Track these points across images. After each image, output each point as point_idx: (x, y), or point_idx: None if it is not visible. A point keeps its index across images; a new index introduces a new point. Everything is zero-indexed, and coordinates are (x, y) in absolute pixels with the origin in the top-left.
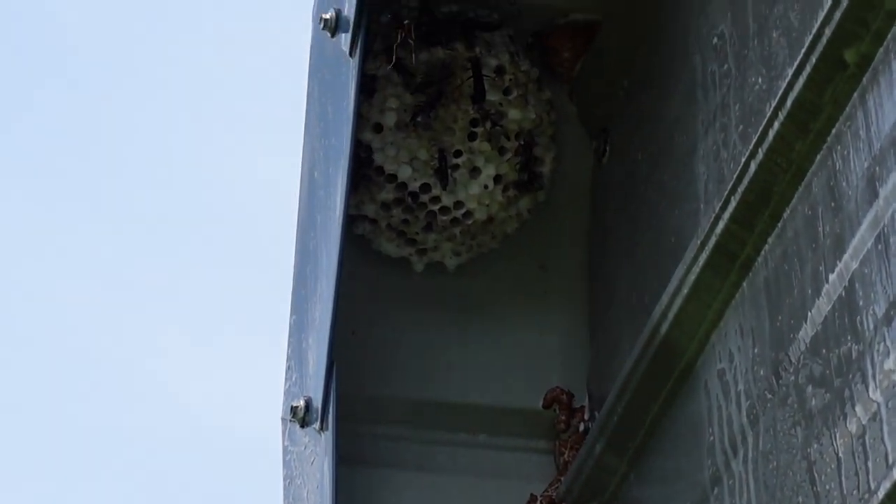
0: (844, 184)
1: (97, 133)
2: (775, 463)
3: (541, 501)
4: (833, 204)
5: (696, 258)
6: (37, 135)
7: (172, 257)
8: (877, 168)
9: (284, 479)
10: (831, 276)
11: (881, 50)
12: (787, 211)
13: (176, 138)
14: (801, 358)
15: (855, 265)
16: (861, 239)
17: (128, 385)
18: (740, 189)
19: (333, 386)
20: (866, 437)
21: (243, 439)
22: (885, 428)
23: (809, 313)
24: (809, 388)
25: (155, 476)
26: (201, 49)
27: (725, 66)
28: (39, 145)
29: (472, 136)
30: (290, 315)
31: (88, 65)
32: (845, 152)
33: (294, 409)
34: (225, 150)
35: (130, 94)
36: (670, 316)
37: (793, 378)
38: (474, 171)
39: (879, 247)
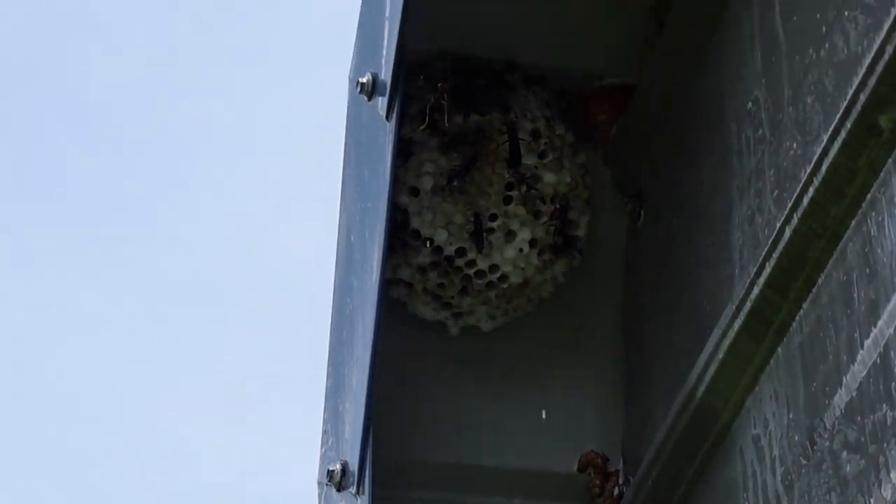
0: (879, 250)
1: (130, 200)
2: None
3: None
4: (868, 270)
5: (731, 323)
6: (70, 204)
7: (207, 324)
8: None
9: None
10: (866, 342)
11: None
12: (822, 276)
13: (210, 203)
14: (836, 424)
15: (890, 331)
16: None
17: (162, 456)
18: (775, 254)
19: (370, 450)
20: None
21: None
22: None
23: (844, 379)
24: (844, 454)
25: None
26: (237, 113)
27: (760, 132)
28: (72, 215)
29: (507, 200)
30: (327, 379)
31: (121, 129)
32: (880, 218)
33: (331, 473)
34: (258, 217)
35: (164, 159)
36: (705, 380)
37: (827, 444)
38: (509, 235)
39: None
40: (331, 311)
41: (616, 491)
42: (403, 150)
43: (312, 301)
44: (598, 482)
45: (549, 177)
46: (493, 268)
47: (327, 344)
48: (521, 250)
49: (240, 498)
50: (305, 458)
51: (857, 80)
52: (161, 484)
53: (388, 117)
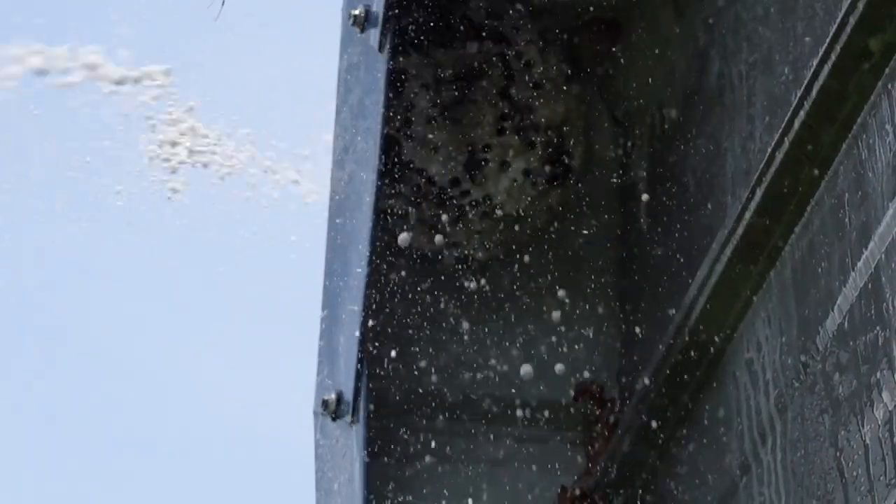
0: (870, 173)
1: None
2: (803, 451)
3: (572, 493)
4: (859, 193)
5: (723, 249)
6: None
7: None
8: None
9: (316, 472)
10: (857, 265)
11: None
12: (813, 201)
13: None
14: (829, 346)
15: (881, 254)
16: (886, 227)
17: (162, 391)
18: (766, 180)
19: (364, 379)
20: (893, 423)
21: (271, 437)
22: None
23: (836, 302)
24: (836, 376)
25: (191, 476)
26: (225, 58)
27: (751, 58)
28: None
29: (501, 131)
30: (322, 310)
31: None
32: (870, 141)
33: (325, 403)
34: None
35: None
36: (698, 307)
37: (820, 366)
38: (503, 165)
39: None
40: (325, 242)
41: (612, 418)
42: (396, 82)
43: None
44: (594, 410)
45: (542, 107)
46: (487, 198)
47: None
48: (514, 181)
49: (249, 433)
50: (300, 392)
51: (846, 4)
52: (172, 421)
53: (380, 49)
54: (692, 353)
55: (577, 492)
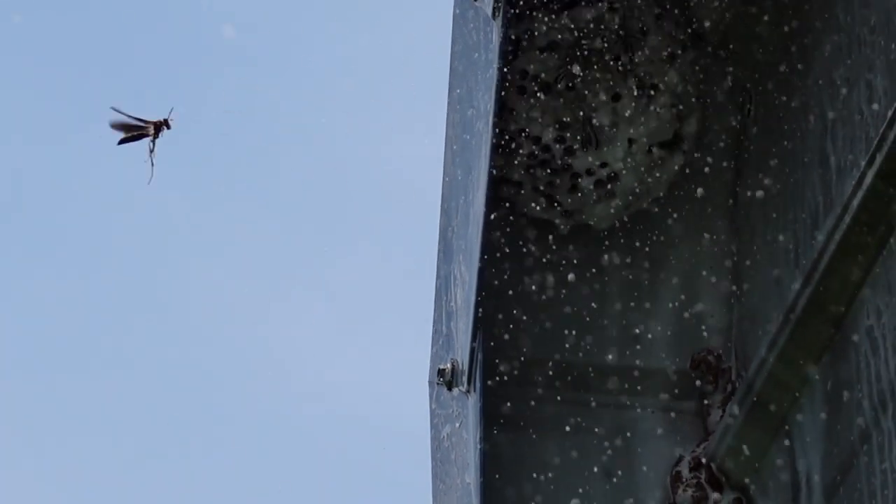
0: None
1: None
2: None
3: (688, 461)
4: None
5: (842, 216)
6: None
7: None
8: None
9: (432, 442)
10: None
11: None
12: None
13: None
14: None
15: None
16: None
17: (266, 363)
18: (886, 145)
19: (480, 348)
20: None
21: (384, 407)
22: None
23: None
24: None
25: (300, 452)
26: (340, 26)
27: (872, 21)
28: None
29: (616, 98)
30: (436, 280)
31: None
32: None
33: (441, 372)
34: (369, 131)
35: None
36: (817, 275)
37: None
38: (619, 133)
39: None
40: (439, 212)
41: (729, 387)
42: (511, 51)
43: (426, 218)
44: (711, 379)
45: (659, 75)
46: (604, 166)
47: (436, 245)
48: (630, 148)
49: (359, 402)
50: (419, 367)
51: None
52: (285, 400)
53: (493, 16)
54: (810, 322)
55: (693, 460)
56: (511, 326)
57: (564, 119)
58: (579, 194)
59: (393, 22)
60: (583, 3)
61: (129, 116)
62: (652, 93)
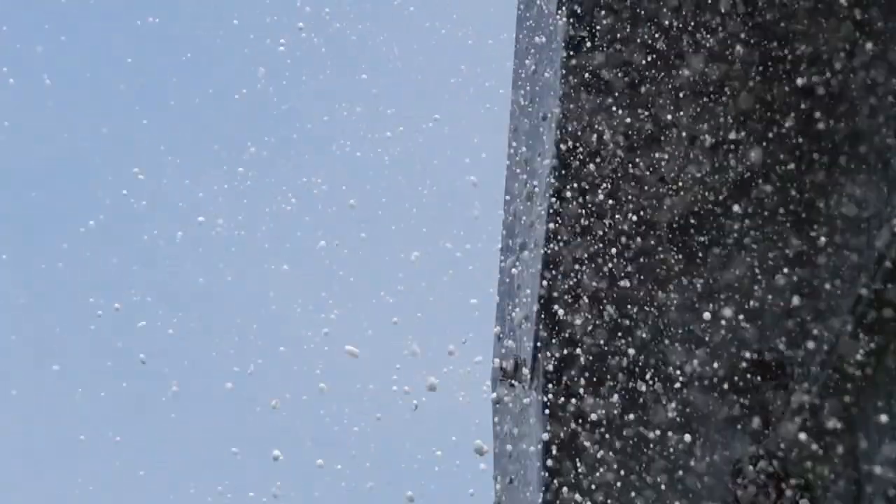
0: None
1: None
2: None
3: (753, 457)
4: None
5: None
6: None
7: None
8: None
9: (495, 437)
10: None
11: None
12: None
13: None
14: None
15: None
16: None
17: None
18: None
19: (544, 345)
20: None
21: (445, 401)
22: None
23: None
24: None
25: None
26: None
27: None
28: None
29: (679, 94)
30: (499, 277)
31: None
32: None
33: (504, 368)
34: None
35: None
36: (880, 275)
37: None
38: (683, 133)
39: None
40: (503, 212)
41: (791, 386)
42: (574, 47)
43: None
44: (775, 377)
45: (722, 72)
46: (665, 164)
47: (498, 249)
48: (693, 148)
49: (415, 404)
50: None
51: None
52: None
53: (557, 12)
54: (879, 319)
55: (759, 457)
56: (576, 323)
57: (627, 116)
58: (642, 191)
59: (457, 19)
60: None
61: None
62: (713, 90)
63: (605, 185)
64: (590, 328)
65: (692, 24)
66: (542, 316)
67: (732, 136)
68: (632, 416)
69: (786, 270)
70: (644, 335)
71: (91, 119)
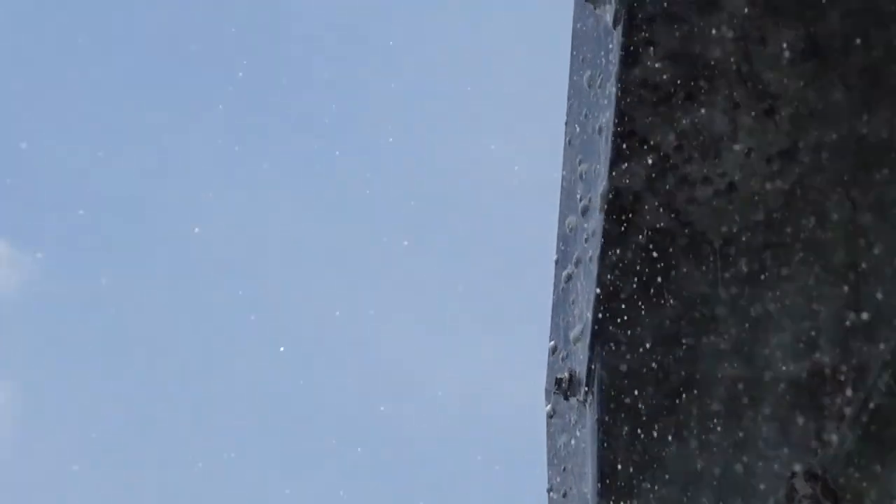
0: None
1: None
2: None
3: (805, 472)
4: None
5: None
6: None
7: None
8: None
9: (548, 451)
10: None
11: None
12: None
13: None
14: None
15: None
16: None
17: (394, 383)
18: None
19: (598, 358)
20: None
21: (498, 414)
22: None
23: None
24: None
25: (407, 456)
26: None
27: None
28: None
29: (735, 106)
30: (553, 288)
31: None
32: None
33: (559, 382)
34: (482, 135)
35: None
36: None
37: None
38: (736, 142)
39: None
40: (557, 231)
41: (845, 399)
42: (630, 60)
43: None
44: (828, 390)
45: (778, 83)
46: (721, 175)
47: (552, 263)
48: (749, 157)
49: (470, 418)
50: (529, 376)
51: None
52: (395, 412)
53: (614, 25)
54: None
55: (811, 472)
56: (630, 337)
57: (683, 128)
58: (698, 203)
59: (513, 32)
60: (705, 13)
61: None
62: (771, 101)
63: (661, 198)
64: (648, 343)
65: (752, 34)
66: (597, 329)
67: (800, 144)
68: (689, 433)
69: (843, 285)
70: (701, 349)
71: None
